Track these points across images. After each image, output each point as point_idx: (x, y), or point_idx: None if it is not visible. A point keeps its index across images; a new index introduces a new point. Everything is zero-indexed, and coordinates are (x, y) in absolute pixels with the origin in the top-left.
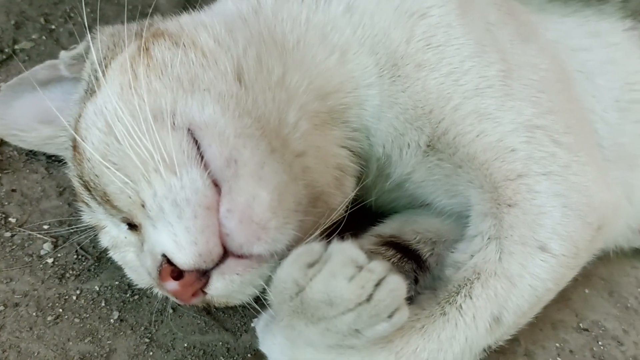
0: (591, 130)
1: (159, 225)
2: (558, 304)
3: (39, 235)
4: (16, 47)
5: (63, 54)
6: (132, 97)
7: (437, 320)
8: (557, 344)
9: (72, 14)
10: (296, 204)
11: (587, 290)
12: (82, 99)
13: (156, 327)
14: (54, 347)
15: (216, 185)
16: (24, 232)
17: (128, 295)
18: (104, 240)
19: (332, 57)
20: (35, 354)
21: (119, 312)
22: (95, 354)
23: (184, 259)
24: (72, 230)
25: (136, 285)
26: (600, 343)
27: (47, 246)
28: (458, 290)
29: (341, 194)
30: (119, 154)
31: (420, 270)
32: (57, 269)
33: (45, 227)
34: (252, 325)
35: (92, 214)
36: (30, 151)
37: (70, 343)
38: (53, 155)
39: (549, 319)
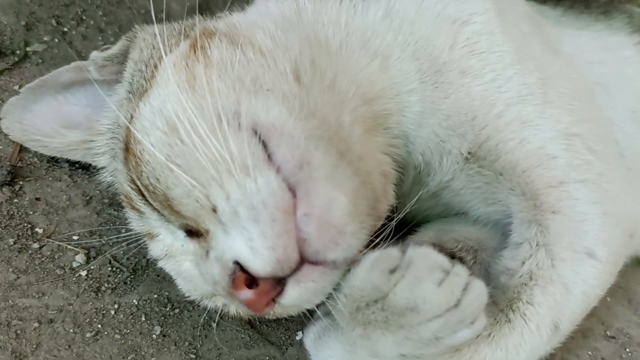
0: (614, 140)
1: (232, 231)
2: None
3: (69, 247)
4: (28, 49)
5: (95, 54)
6: (192, 97)
7: (503, 328)
8: (590, 352)
9: (83, 17)
10: (369, 207)
11: (609, 299)
12: (126, 101)
13: (200, 342)
14: None
15: (289, 189)
16: (53, 243)
17: (168, 309)
18: (156, 249)
19: (374, 63)
20: None
21: (161, 327)
22: None
23: (261, 265)
24: (104, 242)
25: (178, 297)
26: (627, 350)
27: (79, 258)
28: (519, 297)
29: (386, 201)
30: (184, 155)
31: None
32: (91, 282)
33: (75, 237)
34: (298, 338)
35: (144, 222)
36: (52, 158)
37: None
38: (76, 163)
39: (579, 328)
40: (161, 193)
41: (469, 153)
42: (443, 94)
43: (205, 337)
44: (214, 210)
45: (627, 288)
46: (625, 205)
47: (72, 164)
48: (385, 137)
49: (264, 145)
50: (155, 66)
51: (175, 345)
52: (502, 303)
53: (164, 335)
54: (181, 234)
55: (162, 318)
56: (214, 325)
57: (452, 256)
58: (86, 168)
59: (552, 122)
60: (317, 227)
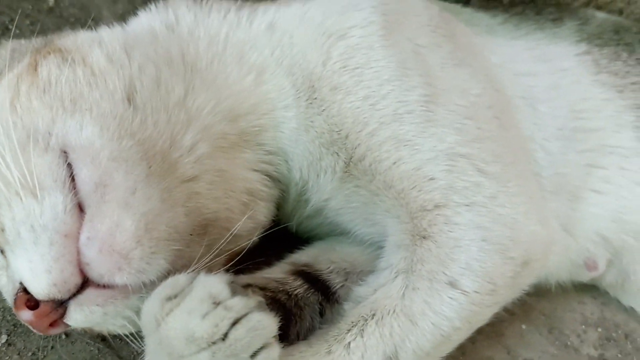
0: (528, 160)
1: (16, 251)
2: (489, 339)
3: None
4: None
5: None
6: (9, 115)
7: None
8: None
9: (9, 26)
10: (170, 232)
11: (524, 326)
12: None
13: (44, 353)
14: None
15: (83, 211)
16: None
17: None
18: None
19: (247, 78)
20: None
21: (8, 335)
22: None
23: (38, 287)
24: None
25: None
26: None
27: None
28: (350, 328)
29: (250, 220)
30: None
31: (327, 302)
32: None
33: None
34: None
35: None
36: None
37: None
38: None
39: (478, 356)
40: None
41: (344, 172)
42: (316, 110)
43: (52, 348)
44: (2, 229)
45: (553, 316)
46: (520, 231)
47: None
48: (256, 154)
49: (70, 167)
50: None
51: (19, 354)
52: (330, 333)
53: (9, 344)
54: None
55: (12, 327)
56: (64, 337)
57: (318, 278)
58: None
59: (433, 141)
60: (98, 251)
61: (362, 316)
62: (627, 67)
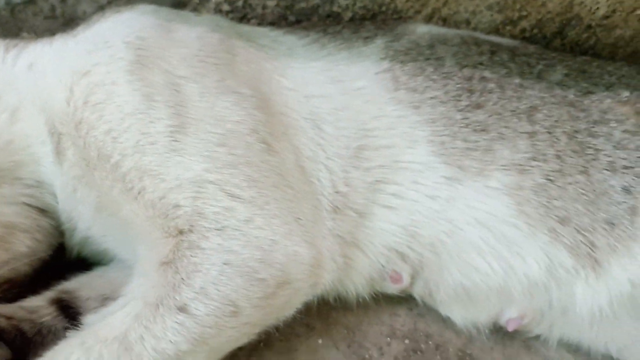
0: (303, 181)
1: None
2: (279, 355)
3: None
4: None
5: None
6: None
7: None
8: None
9: None
10: None
11: (320, 341)
12: None
13: None
14: None
15: None
16: None
17: None
18: None
19: (1, 117)
20: None
21: None
22: None
23: None
24: None
25: None
26: None
27: None
28: (54, 356)
29: (5, 252)
30: None
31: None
32: None
33: None
34: None
35: None
36: None
37: None
38: None
39: None
40: None
41: (98, 202)
42: (66, 145)
43: None
44: None
45: (356, 329)
46: (276, 253)
47: None
48: (14, 187)
49: None
50: None
51: None
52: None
53: None
54: None
55: None
56: None
57: (70, 305)
58: None
59: (178, 170)
60: None
61: (71, 345)
62: (428, 82)
